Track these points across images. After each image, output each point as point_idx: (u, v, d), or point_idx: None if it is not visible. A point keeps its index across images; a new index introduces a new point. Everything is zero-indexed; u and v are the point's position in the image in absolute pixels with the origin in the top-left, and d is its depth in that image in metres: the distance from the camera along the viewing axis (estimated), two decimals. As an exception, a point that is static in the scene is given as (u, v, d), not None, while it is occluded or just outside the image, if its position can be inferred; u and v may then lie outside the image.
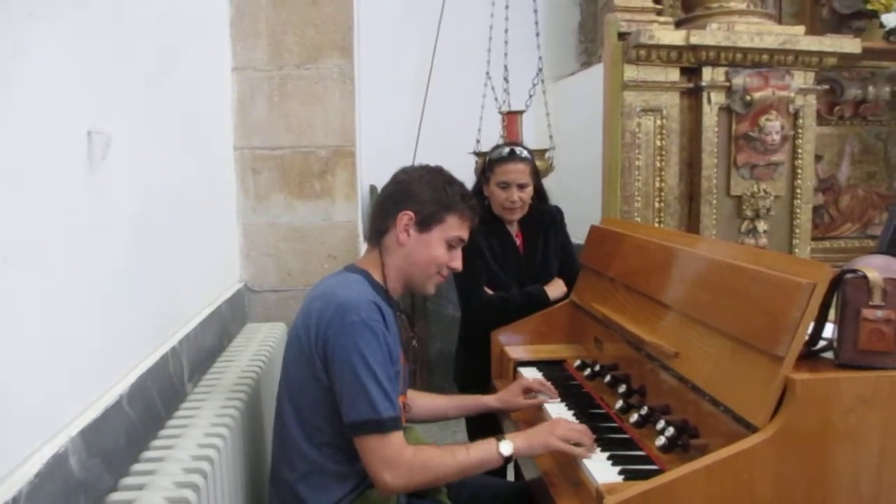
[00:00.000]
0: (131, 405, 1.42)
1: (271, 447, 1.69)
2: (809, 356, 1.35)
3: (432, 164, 1.77)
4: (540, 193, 2.57)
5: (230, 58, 2.64)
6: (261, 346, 2.24)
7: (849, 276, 1.28)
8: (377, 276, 1.67)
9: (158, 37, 1.79)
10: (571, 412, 1.82)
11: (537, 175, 2.53)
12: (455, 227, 1.69)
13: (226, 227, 2.61)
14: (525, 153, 2.48)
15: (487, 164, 2.51)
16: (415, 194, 1.66)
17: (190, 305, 2.02)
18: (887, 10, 3.46)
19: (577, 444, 1.54)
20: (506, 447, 1.54)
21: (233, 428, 1.60)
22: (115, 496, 1.25)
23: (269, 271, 2.76)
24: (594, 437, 1.58)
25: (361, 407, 1.47)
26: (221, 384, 1.86)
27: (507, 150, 2.48)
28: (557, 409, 1.84)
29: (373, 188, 3.92)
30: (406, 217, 1.65)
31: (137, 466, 1.37)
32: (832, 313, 1.33)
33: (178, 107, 1.95)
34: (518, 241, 2.54)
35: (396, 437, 1.49)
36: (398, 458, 1.47)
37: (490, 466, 1.56)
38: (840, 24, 3.71)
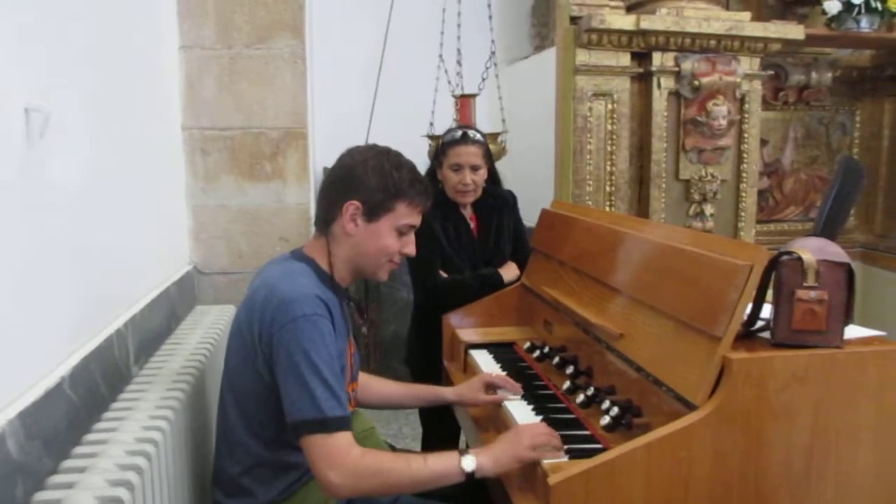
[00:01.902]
0: (73, 388, 1.40)
1: (215, 436, 1.66)
2: (748, 336, 1.39)
3: (383, 145, 1.69)
4: (493, 177, 2.59)
5: (177, 36, 2.59)
6: (209, 329, 2.22)
7: (784, 258, 1.32)
8: (324, 265, 1.61)
9: (100, 11, 1.74)
10: (530, 407, 1.74)
11: (490, 158, 2.55)
12: (405, 215, 1.60)
13: (174, 208, 2.57)
14: (478, 136, 2.49)
15: (440, 147, 2.51)
16: (361, 182, 1.57)
17: (137, 287, 1.99)
18: (829, -3, 3.54)
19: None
20: (468, 463, 1.43)
21: (178, 411, 1.59)
22: (55, 479, 1.23)
23: (219, 253, 2.73)
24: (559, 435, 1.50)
25: (305, 406, 1.40)
26: (168, 367, 1.84)
27: (459, 132, 2.48)
28: (517, 406, 1.75)
29: (326, 170, 3.90)
30: (352, 207, 1.56)
31: (79, 449, 1.35)
32: (770, 294, 1.37)
33: (122, 84, 1.90)
34: (472, 225, 2.55)
35: (343, 437, 1.41)
36: (344, 457, 1.39)
37: (449, 482, 1.44)
38: (785, 10, 3.79)
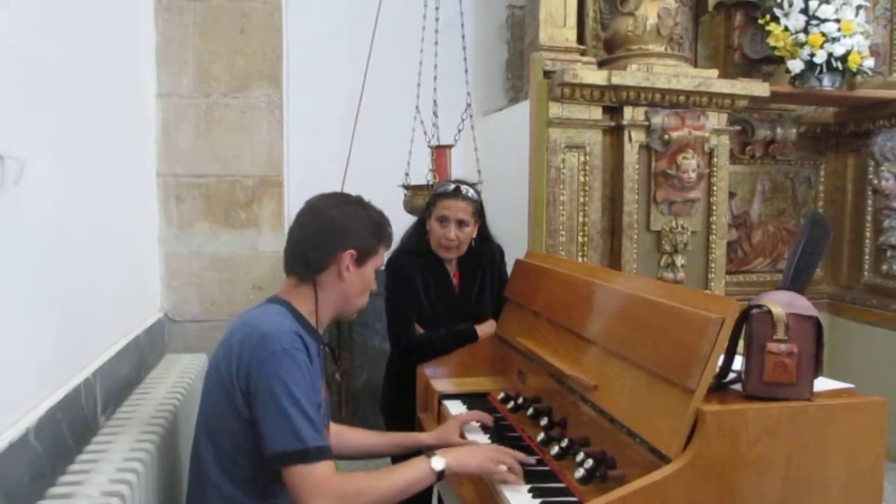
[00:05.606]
0: (39, 439, 1.36)
1: (187, 482, 1.64)
2: (719, 388, 1.40)
3: (353, 193, 1.76)
4: (483, 234, 2.52)
5: (155, 83, 2.61)
6: (180, 378, 2.19)
7: (755, 311, 1.34)
8: (304, 310, 1.64)
9: (78, 59, 1.75)
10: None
11: (482, 216, 2.50)
12: (382, 256, 1.75)
13: (146, 255, 2.55)
14: (471, 192, 2.43)
15: (431, 198, 2.47)
16: (354, 232, 1.66)
17: (106, 335, 1.96)
18: (792, 56, 3.66)
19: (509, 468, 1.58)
20: (437, 463, 1.55)
21: (147, 462, 1.56)
22: (18, 535, 1.20)
23: (191, 301, 2.71)
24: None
25: (285, 437, 1.43)
26: (137, 417, 1.81)
27: (452, 186, 2.42)
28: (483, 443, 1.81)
29: (300, 218, 3.88)
30: (348, 256, 1.64)
31: (43, 504, 1.32)
32: (741, 347, 1.39)
33: (98, 131, 1.91)
34: (455, 281, 2.50)
35: (324, 466, 1.45)
36: (327, 486, 1.43)
37: (423, 485, 1.55)
38: (751, 68, 3.91)
